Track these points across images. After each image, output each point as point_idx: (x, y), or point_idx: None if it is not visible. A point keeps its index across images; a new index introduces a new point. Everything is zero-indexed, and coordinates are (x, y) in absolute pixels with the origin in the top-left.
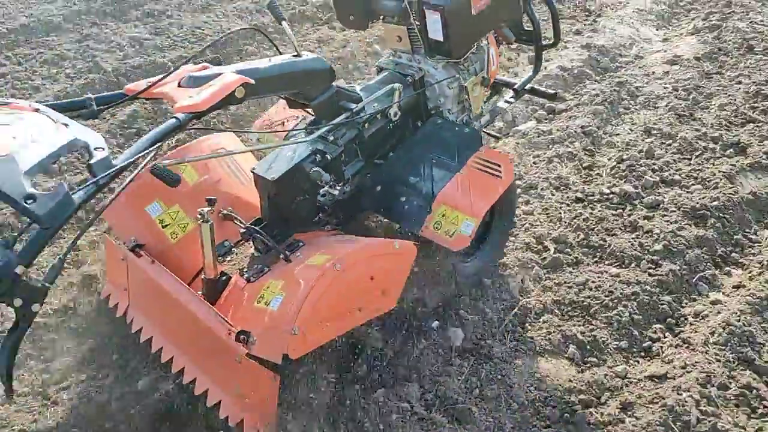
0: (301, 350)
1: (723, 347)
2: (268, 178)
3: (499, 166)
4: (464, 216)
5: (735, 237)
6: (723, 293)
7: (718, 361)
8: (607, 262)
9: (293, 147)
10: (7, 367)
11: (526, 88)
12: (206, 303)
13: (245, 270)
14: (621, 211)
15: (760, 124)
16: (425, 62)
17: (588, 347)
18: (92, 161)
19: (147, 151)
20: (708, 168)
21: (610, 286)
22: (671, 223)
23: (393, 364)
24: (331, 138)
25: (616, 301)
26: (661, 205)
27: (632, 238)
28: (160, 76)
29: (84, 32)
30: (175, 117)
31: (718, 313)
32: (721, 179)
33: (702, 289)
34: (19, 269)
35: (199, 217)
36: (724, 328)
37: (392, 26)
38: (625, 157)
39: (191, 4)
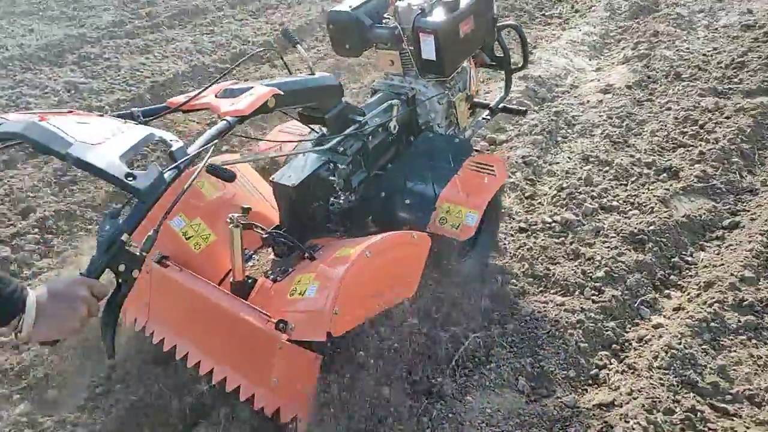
0: (341, 329)
1: (666, 371)
2: (289, 184)
3: (493, 166)
4: (467, 209)
5: (672, 260)
6: (664, 316)
7: (663, 385)
8: (552, 291)
9: (305, 158)
10: (111, 328)
11: (500, 107)
12: (241, 299)
13: (269, 272)
14: (563, 239)
15: (690, 148)
16: (416, 82)
17: (537, 378)
18: (173, 149)
19: (207, 146)
20: (644, 193)
21: (555, 315)
22: (611, 249)
23: None
24: (341, 149)
25: (562, 330)
26: (601, 232)
27: (575, 266)
28: (200, 90)
29: (17, 78)
30: (225, 120)
31: (660, 336)
32: (656, 204)
33: (644, 313)
34: (124, 237)
35: (230, 222)
36: (666, 352)
37: (385, 52)
38: (565, 185)
39: (129, 46)
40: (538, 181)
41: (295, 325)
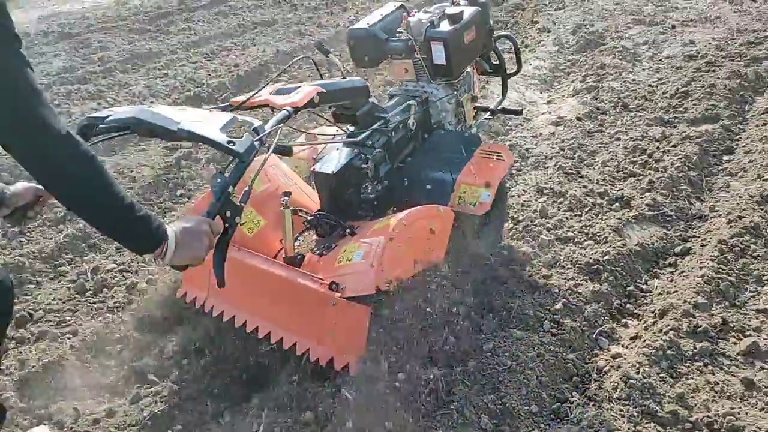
0: (386, 285)
1: (626, 402)
2: (329, 172)
3: (500, 152)
4: (482, 189)
5: (628, 288)
6: (622, 345)
7: (623, 416)
8: (511, 326)
9: (339, 153)
10: (221, 262)
11: (499, 108)
12: (296, 269)
13: (314, 249)
14: (521, 272)
15: (640, 178)
16: (428, 86)
17: (500, 416)
18: (255, 126)
19: (273, 128)
20: (597, 223)
21: (516, 350)
22: (568, 280)
23: None
24: (369, 143)
25: (523, 364)
26: (558, 263)
27: (533, 299)
28: (257, 89)
29: None
30: (285, 110)
31: (619, 367)
32: (610, 233)
33: (602, 343)
34: (230, 189)
35: (283, 204)
36: (625, 383)
37: (399, 61)
38: (521, 218)
39: (81, 92)
40: None
41: (345, 284)
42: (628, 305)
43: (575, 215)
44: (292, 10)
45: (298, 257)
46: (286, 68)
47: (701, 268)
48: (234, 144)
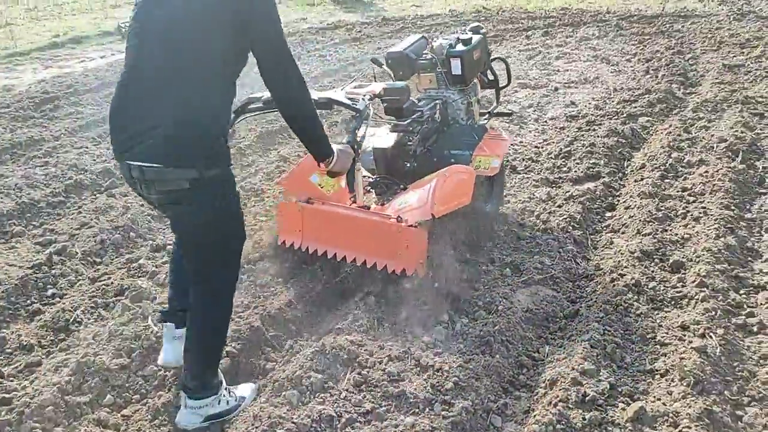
0: (437, 214)
1: None
2: (386, 146)
3: (501, 134)
4: (492, 157)
5: (519, 359)
6: (515, 422)
7: None
8: (402, 411)
9: (388, 135)
10: (352, 178)
11: (494, 111)
12: (371, 211)
13: (376, 202)
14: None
15: (528, 240)
16: (447, 91)
17: None
18: (363, 96)
19: (369, 101)
20: (489, 291)
21: None
22: (461, 355)
23: None
24: (411, 128)
25: None
26: (448, 340)
27: (424, 380)
28: (338, 88)
29: None
30: (369, 94)
31: None
32: (501, 301)
33: (495, 420)
34: (353, 139)
35: (357, 169)
36: None
37: (426, 75)
38: None
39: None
40: None
41: (408, 216)
42: (520, 376)
43: (470, 286)
44: None
45: (367, 206)
46: (353, 78)
47: (588, 331)
48: (356, 103)
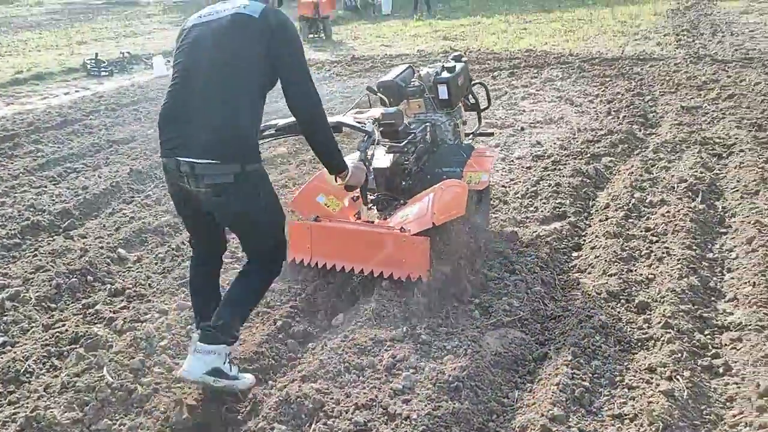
0: (436, 223)
1: None
2: (384, 166)
3: (487, 152)
4: (480, 172)
5: (489, 404)
6: None
7: None
8: None
9: (386, 155)
10: (365, 192)
11: (477, 132)
12: (375, 225)
13: (378, 217)
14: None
15: (496, 281)
16: (435, 115)
17: None
18: (371, 120)
19: (374, 124)
20: (457, 334)
21: None
22: (429, 402)
23: None
24: (406, 149)
25: None
26: (416, 386)
27: (392, 429)
28: (344, 113)
29: None
30: (372, 117)
31: None
32: (469, 344)
33: None
34: (364, 157)
35: (376, 169)
36: None
37: (414, 100)
38: None
39: None
40: None
41: (411, 227)
42: (490, 423)
43: (439, 326)
44: (153, 126)
45: (371, 221)
46: (356, 103)
47: (557, 374)
48: (365, 125)
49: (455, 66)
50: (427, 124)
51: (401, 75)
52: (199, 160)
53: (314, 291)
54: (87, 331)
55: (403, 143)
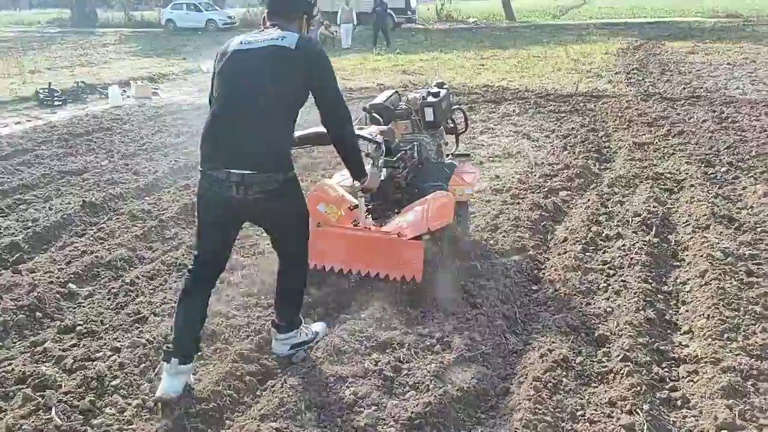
0: (431, 228)
1: None
2: (382, 178)
3: (470, 168)
4: (464, 186)
5: None
6: None
7: None
8: None
9: (380, 170)
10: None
11: (455, 153)
12: (373, 230)
13: (374, 224)
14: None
15: (458, 316)
16: (421, 135)
17: None
18: (380, 132)
19: (382, 141)
20: (419, 370)
21: None
22: None
23: None
24: (397, 165)
25: None
26: (378, 424)
27: None
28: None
29: None
30: (378, 139)
31: None
32: (431, 380)
33: None
34: (377, 165)
35: (361, 196)
36: None
37: (402, 122)
38: None
39: None
40: None
41: (407, 232)
42: None
43: (398, 361)
44: (108, 157)
45: (369, 228)
46: (358, 120)
47: (519, 409)
48: (376, 137)
49: (440, 92)
50: (415, 143)
51: (390, 98)
52: (249, 172)
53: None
54: (34, 371)
55: (395, 159)
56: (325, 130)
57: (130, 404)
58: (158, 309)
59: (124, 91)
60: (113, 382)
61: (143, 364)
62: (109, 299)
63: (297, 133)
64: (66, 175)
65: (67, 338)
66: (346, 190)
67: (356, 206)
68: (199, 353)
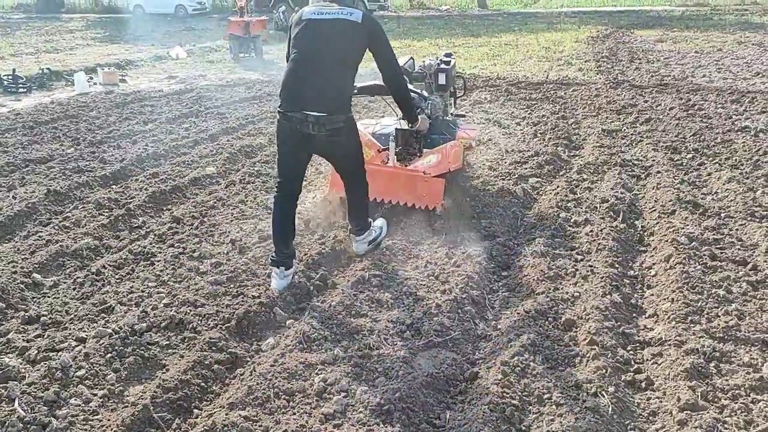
0: (450, 168)
1: None
2: (405, 129)
3: (471, 125)
4: (469, 139)
5: (420, 426)
6: None
7: None
8: None
9: (403, 122)
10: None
11: (454, 114)
12: (403, 169)
13: (399, 165)
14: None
15: (428, 301)
16: (431, 96)
17: None
18: (423, 93)
19: (422, 94)
20: (388, 356)
21: None
22: (361, 426)
23: None
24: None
25: None
26: (348, 411)
27: None
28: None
29: None
30: (424, 92)
31: None
32: (401, 366)
33: None
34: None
35: (392, 138)
36: None
37: (417, 84)
38: None
39: None
40: None
41: (431, 171)
42: None
43: (365, 347)
44: (73, 145)
45: (398, 166)
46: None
47: (488, 394)
48: (423, 92)
49: (450, 61)
50: (429, 101)
51: (407, 63)
52: (321, 114)
53: (244, 314)
54: None
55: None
56: (380, 83)
57: (95, 395)
58: (125, 299)
59: (91, 77)
60: (78, 373)
61: (109, 354)
62: (74, 289)
63: (358, 85)
64: (30, 164)
65: (31, 329)
66: (372, 135)
67: (385, 149)
68: (297, 259)
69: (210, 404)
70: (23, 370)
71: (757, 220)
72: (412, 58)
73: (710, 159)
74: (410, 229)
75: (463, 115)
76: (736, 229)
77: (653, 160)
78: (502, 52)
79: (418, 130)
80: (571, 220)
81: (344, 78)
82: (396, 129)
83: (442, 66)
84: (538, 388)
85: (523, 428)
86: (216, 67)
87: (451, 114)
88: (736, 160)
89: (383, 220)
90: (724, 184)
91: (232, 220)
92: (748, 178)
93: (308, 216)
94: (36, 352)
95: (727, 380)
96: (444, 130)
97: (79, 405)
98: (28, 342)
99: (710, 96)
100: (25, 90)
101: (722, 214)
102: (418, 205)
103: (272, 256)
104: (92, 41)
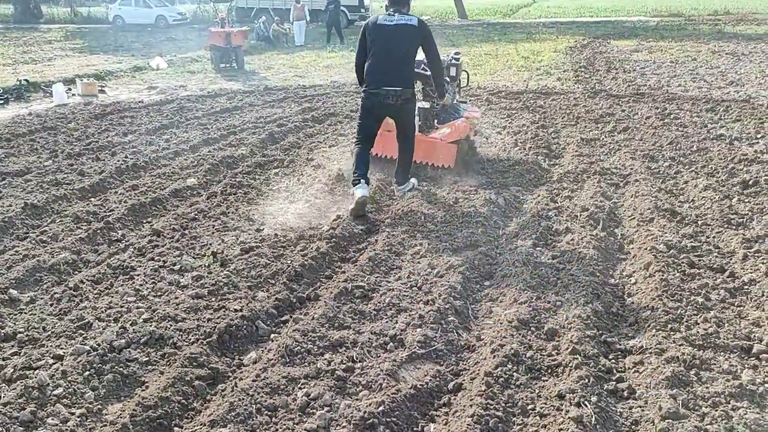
0: (462, 137)
1: None
2: (426, 107)
3: (475, 108)
4: (473, 118)
5: None
6: None
7: None
8: None
9: (425, 102)
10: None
11: (458, 100)
12: (423, 136)
13: (420, 133)
14: None
15: (411, 312)
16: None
17: None
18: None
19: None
20: (372, 369)
21: None
22: None
23: None
24: (434, 101)
25: None
26: (331, 425)
27: None
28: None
29: None
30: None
31: None
32: (384, 379)
33: None
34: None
35: (420, 108)
36: None
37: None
38: None
39: None
40: None
41: (446, 138)
42: None
43: (350, 361)
44: (51, 157)
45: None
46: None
47: (471, 405)
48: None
49: (459, 57)
50: (450, 86)
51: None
52: (398, 88)
53: (225, 328)
54: None
55: (435, 96)
56: (425, 73)
57: (73, 414)
58: (103, 314)
59: (69, 89)
60: (55, 392)
61: (87, 372)
62: (51, 305)
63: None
64: (7, 177)
65: (7, 347)
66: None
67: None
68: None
69: (191, 422)
70: None
71: (734, 227)
72: (458, 52)
73: (686, 167)
74: (392, 239)
75: (464, 102)
76: (713, 237)
77: (631, 169)
78: (482, 61)
79: (444, 103)
80: (552, 229)
81: (409, 64)
82: (419, 108)
83: (453, 61)
84: (522, 398)
85: None
86: (197, 78)
87: (457, 100)
88: (711, 168)
89: (414, 179)
90: (700, 192)
91: (213, 232)
92: (723, 186)
93: (291, 225)
94: (12, 370)
95: (707, 388)
96: (453, 111)
97: (57, 425)
98: (3, 360)
99: (686, 105)
100: (2, 102)
101: (699, 222)
102: (435, 163)
103: (355, 178)
104: (71, 52)
